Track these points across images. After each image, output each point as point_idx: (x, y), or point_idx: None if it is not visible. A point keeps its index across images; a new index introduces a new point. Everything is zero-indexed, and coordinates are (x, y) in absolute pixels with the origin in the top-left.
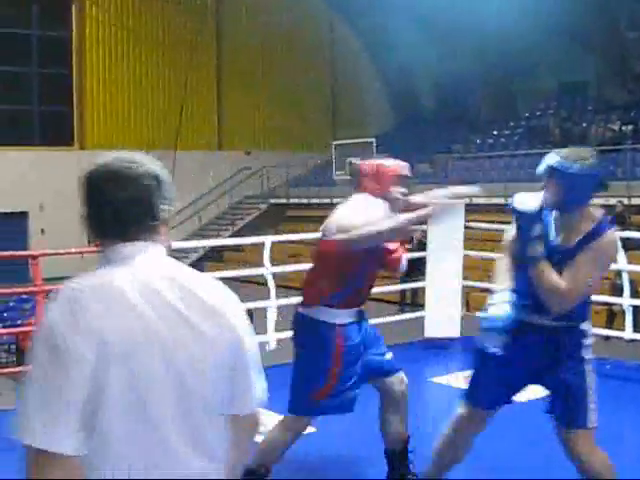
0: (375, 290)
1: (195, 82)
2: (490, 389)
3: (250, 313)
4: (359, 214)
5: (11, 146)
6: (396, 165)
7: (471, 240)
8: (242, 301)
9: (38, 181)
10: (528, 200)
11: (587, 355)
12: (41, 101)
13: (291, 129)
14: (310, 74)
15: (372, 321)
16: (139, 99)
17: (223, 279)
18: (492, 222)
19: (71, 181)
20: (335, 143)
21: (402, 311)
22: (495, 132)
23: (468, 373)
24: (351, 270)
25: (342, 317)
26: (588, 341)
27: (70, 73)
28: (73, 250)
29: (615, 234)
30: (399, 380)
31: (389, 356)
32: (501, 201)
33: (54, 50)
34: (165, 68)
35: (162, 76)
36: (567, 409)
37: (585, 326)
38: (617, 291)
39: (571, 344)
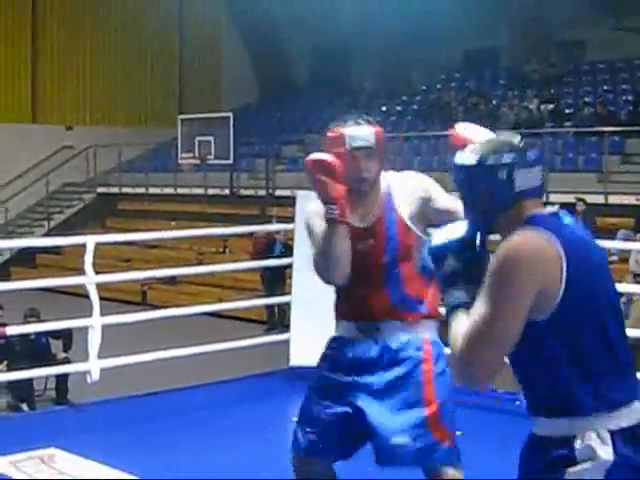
0: (233, 306)
1: (2, 34)
2: None
3: (68, 334)
4: None
5: None
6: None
7: None
8: (58, 317)
9: None
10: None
11: None
12: None
13: (125, 99)
14: (151, 30)
15: (228, 345)
16: None
17: (35, 290)
18: None
19: None
20: (182, 117)
21: (270, 332)
22: (384, 108)
23: None
24: None
25: (339, 330)
26: None
27: None
28: None
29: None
30: None
31: (401, 440)
32: None
33: None
34: None
35: None
36: None
37: None
38: None
39: None
